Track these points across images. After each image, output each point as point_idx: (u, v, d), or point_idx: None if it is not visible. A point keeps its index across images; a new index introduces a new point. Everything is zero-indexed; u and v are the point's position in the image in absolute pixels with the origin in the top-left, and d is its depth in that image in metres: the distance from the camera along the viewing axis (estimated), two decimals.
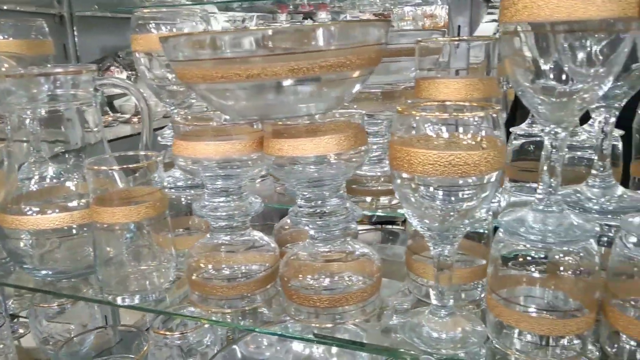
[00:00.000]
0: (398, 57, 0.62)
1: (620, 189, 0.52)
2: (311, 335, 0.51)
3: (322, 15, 3.12)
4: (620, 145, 0.85)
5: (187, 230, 0.73)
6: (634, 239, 0.43)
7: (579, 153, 0.76)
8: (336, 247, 0.54)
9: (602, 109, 0.50)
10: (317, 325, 0.52)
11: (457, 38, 0.50)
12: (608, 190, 0.51)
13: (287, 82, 0.46)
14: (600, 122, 0.50)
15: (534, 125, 0.88)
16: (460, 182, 0.42)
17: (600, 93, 0.41)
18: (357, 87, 0.52)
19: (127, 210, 0.55)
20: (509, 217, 0.46)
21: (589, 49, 0.39)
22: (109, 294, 0.58)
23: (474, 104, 0.45)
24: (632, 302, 0.43)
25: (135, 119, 1.90)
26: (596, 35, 0.38)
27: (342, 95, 0.51)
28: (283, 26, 0.46)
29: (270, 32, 0.44)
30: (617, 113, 0.50)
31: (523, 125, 0.88)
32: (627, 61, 0.40)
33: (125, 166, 0.58)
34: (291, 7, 2.67)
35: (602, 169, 0.52)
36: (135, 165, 0.59)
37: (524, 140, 0.85)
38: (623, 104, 0.50)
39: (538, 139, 0.85)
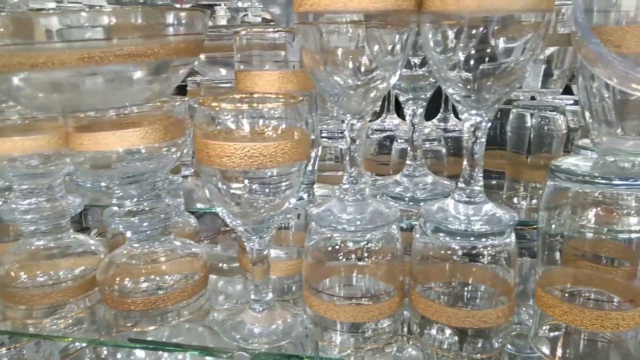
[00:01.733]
0: None
1: (430, 177, 0.55)
2: (127, 340, 0.48)
3: (221, 13, 3.05)
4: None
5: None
6: (432, 226, 0.45)
7: (427, 145, 0.79)
8: (156, 247, 0.51)
9: (410, 102, 0.52)
10: (138, 329, 0.49)
11: (271, 30, 0.50)
12: (420, 179, 0.54)
13: (81, 73, 0.43)
14: (409, 114, 0.52)
15: (386, 120, 0.91)
16: (263, 173, 0.42)
17: (392, 81, 0.42)
18: (176, 78, 0.50)
19: None
20: (319, 209, 0.47)
21: (374, 40, 0.40)
22: None
23: (278, 96, 0.45)
24: (432, 286, 0.46)
25: None
26: (377, 26, 0.39)
27: (157, 86, 0.49)
28: (74, 9, 0.43)
29: (58, 16, 0.41)
30: (424, 104, 0.52)
31: (378, 121, 0.91)
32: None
33: None
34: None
35: (414, 158, 0.54)
36: None
37: (380, 135, 0.88)
38: (429, 95, 0.53)
39: (388, 133, 0.88)
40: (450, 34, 0.39)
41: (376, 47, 0.40)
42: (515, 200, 0.72)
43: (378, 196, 0.55)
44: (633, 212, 0.40)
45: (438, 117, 0.83)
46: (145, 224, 0.49)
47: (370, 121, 0.88)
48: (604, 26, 0.37)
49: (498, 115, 0.88)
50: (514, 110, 0.83)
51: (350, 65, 0.41)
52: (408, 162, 0.55)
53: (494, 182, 0.87)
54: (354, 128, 0.43)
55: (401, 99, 0.53)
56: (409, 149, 0.54)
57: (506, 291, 0.44)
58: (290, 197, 0.45)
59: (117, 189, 0.49)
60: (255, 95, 0.46)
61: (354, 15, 0.39)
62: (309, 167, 0.59)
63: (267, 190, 0.43)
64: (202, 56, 0.85)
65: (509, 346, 0.53)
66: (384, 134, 0.87)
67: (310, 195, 0.56)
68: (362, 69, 0.41)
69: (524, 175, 0.74)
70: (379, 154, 0.86)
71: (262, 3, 0.73)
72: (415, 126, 0.53)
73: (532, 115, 0.78)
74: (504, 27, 0.38)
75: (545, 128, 0.77)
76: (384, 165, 0.83)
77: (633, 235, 0.41)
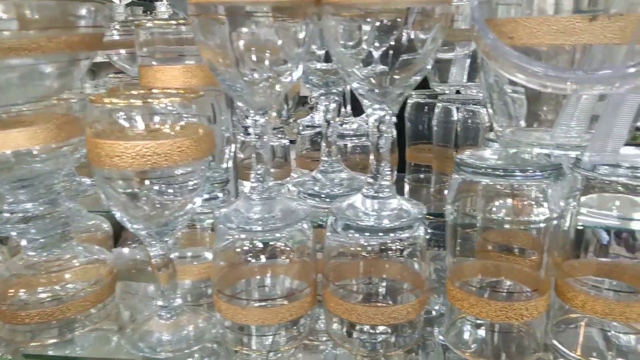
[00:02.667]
0: None
1: (345, 173, 0.54)
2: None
3: (162, 9, 2.96)
4: (394, 132, 0.91)
5: None
6: (342, 223, 0.44)
7: (355, 140, 0.79)
8: (56, 254, 0.48)
9: (322, 97, 0.51)
10: (36, 343, 0.46)
11: (174, 22, 0.47)
12: (335, 175, 0.53)
13: None
14: (322, 110, 0.51)
15: (315, 117, 0.90)
16: (161, 173, 0.39)
17: (296, 75, 0.41)
18: (78, 72, 0.47)
19: None
20: (226, 209, 0.45)
21: (274, 32, 0.38)
22: None
23: (178, 91, 0.43)
24: (343, 284, 0.45)
25: None
26: (276, 18, 0.37)
27: (59, 81, 0.45)
28: None
29: None
30: (337, 99, 0.51)
31: (308, 117, 0.90)
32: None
33: None
34: None
35: (329, 155, 0.53)
36: None
37: (310, 132, 0.86)
38: (341, 90, 0.52)
39: (318, 129, 0.86)
40: (351, 26, 0.38)
41: (276, 40, 0.39)
42: (444, 193, 0.72)
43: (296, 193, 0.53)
44: (534, 202, 0.41)
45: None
46: (40, 231, 0.46)
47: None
48: (498, 18, 0.37)
49: (425, 110, 0.89)
50: (439, 104, 0.84)
51: (253, 58, 0.39)
52: (324, 158, 0.54)
53: (422, 176, 0.88)
54: (258, 124, 0.42)
55: (313, 94, 0.52)
56: (323, 145, 0.53)
57: (418, 285, 0.44)
58: (194, 197, 0.43)
59: (7, 193, 0.45)
60: (155, 91, 0.43)
61: (249, 6, 0.37)
62: (224, 165, 0.57)
63: (169, 190, 0.41)
64: (123, 51, 0.81)
65: (440, 337, 0.52)
66: (315, 130, 0.86)
67: (225, 193, 0.54)
68: (266, 62, 0.40)
69: (451, 169, 0.75)
70: (312, 150, 0.85)
71: None
72: (330, 122, 0.52)
73: (457, 109, 0.79)
74: (404, 19, 0.37)
75: (470, 121, 0.78)
76: (316, 161, 0.82)
77: (537, 226, 0.42)
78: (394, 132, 0.88)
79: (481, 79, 0.42)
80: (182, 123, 0.40)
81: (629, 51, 0.34)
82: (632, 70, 0.35)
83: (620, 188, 0.40)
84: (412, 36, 0.38)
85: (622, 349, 0.44)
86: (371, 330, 0.44)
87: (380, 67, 0.39)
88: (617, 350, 0.44)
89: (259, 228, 0.42)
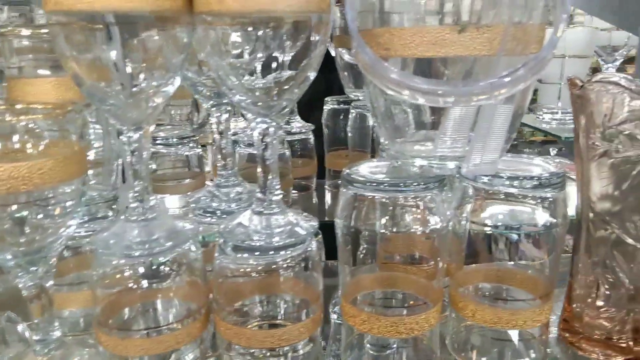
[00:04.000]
0: None
1: (241, 187, 0.52)
2: None
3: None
4: (312, 139, 0.90)
5: None
6: (231, 245, 0.41)
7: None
8: None
9: (214, 109, 0.49)
10: None
11: (46, 30, 0.44)
12: (231, 189, 0.51)
13: None
14: (215, 122, 0.49)
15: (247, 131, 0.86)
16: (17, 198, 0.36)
17: (171, 90, 0.39)
18: None
19: None
20: (105, 233, 0.41)
21: (140, 44, 0.36)
22: None
23: (45, 107, 0.39)
24: (234, 307, 0.43)
25: None
26: (141, 31, 0.35)
27: None
28: None
29: None
30: (229, 109, 0.49)
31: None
32: None
33: None
34: None
35: (225, 168, 0.51)
36: None
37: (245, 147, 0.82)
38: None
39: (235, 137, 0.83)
40: (225, 36, 0.36)
41: (154, 49, 0.36)
42: None
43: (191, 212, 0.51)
44: (421, 214, 0.40)
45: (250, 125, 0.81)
46: None
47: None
48: (374, 29, 0.36)
49: (341, 116, 0.89)
50: (353, 110, 0.84)
51: (127, 70, 0.37)
52: (219, 172, 0.52)
53: (339, 181, 0.87)
54: (132, 140, 0.39)
55: (204, 105, 0.49)
56: (219, 157, 0.51)
57: (313, 300, 0.42)
58: (67, 220, 0.40)
59: None
60: (18, 107, 0.40)
61: (125, 14, 0.34)
62: (112, 179, 0.54)
63: (39, 215, 0.38)
64: None
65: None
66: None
67: (114, 213, 0.51)
68: (142, 74, 0.37)
69: None
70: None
71: None
72: (222, 134, 0.50)
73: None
74: (279, 29, 0.36)
75: None
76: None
77: (425, 236, 0.42)
78: (311, 138, 0.88)
79: (365, 90, 0.41)
80: (46, 142, 0.37)
81: (499, 61, 0.34)
82: (507, 79, 0.35)
83: (502, 197, 0.40)
84: (290, 47, 0.36)
85: (516, 356, 0.44)
86: (267, 354, 0.42)
87: (262, 80, 0.38)
88: (512, 358, 0.44)
89: (139, 253, 0.39)
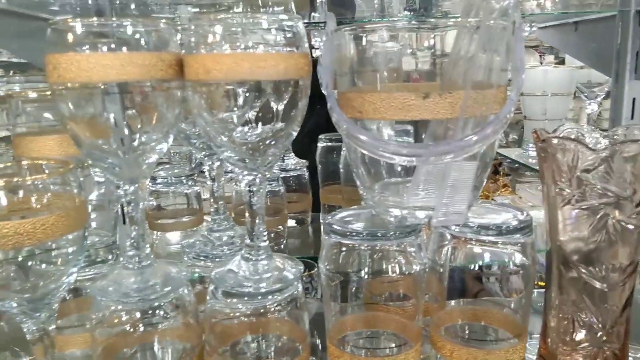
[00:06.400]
0: None
1: (232, 231, 0.54)
2: None
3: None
4: (306, 175, 0.93)
5: None
6: (222, 291, 0.44)
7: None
8: None
9: (205, 158, 0.52)
10: None
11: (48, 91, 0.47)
12: (222, 234, 0.54)
13: None
14: (207, 169, 0.52)
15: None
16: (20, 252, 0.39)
17: (165, 147, 0.42)
18: None
19: None
20: (104, 281, 0.44)
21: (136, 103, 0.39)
22: None
23: (49, 163, 0.43)
24: (226, 350, 0.45)
25: None
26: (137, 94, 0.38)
27: None
28: None
29: None
30: (217, 157, 0.52)
31: None
32: None
33: None
34: None
35: (217, 212, 0.54)
36: None
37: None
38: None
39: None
40: (215, 100, 0.39)
41: (140, 109, 0.40)
42: None
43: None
44: (398, 260, 0.43)
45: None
46: None
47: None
48: (349, 93, 0.40)
49: (334, 153, 0.92)
50: (344, 148, 0.87)
51: (125, 132, 0.40)
52: (212, 216, 0.55)
53: None
54: (128, 192, 0.42)
55: (197, 155, 0.53)
56: (211, 201, 0.54)
57: (300, 340, 0.45)
58: (69, 268, 0.42)
59: None
60: (24, 163, 0.43)
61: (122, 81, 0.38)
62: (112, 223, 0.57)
63: (42, 266, 0.41)
64: None
65: None
66: (228, 176, 0.86)
67: (114, 256, 0.54)
68: (139, 134, 0.40)
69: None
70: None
71: None
72: (215, 179, 0.53)
73: None
74: (261, 92, 0.39)
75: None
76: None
77: (403, 281, 0.44)
78: (306, 174, 0.91)
79: (344, 144, 0.44)
80: (49, 197, 0.40)
81: (462, 123, 0.37)
82: (475, 138, 0.38)
83: (475, 242, 0.43)
84: (276, 107, 0.39)
85: None
86: None
87: (249, 138, 0.41)
88: None
89: (137, 299, 0.42)
